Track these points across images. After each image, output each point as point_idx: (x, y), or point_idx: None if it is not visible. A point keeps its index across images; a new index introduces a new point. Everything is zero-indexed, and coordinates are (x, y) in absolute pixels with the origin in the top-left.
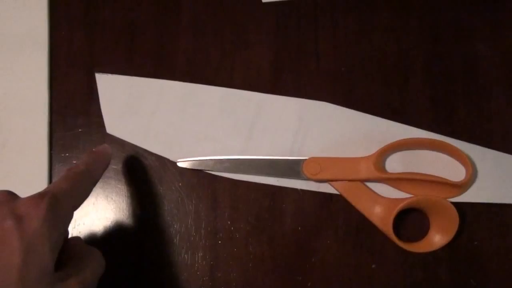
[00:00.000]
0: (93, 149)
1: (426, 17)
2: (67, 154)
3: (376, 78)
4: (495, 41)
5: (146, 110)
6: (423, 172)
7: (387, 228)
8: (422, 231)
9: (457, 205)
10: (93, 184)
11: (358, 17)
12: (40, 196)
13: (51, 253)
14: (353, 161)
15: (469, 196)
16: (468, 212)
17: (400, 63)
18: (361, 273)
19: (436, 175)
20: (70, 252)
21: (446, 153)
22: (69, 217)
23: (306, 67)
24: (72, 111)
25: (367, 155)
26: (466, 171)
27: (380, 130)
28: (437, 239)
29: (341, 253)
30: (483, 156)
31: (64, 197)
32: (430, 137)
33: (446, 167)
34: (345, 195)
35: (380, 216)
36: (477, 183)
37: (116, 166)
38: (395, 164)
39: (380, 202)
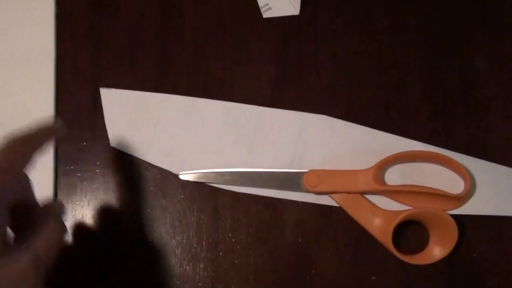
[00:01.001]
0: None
1: (424, 31)
2: (72, 167)
3: (375, 91)
4: (493, 54)
5: (149, 124)
6: (422, 184)
7: (387, 240)
8: (421, 243)
9: (456, 217)
10: (35, 149)
11: (357, 32)
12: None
13: None
14: (352, 174)
15: (468, 209)
16: (468, 225)
17: (398, 76)
18: (361, 285)
19: (435, 187)
20: (24, 216)
21: (445, 165)
22: (8, 187)
23: (306, 81)
24: (77, 125)
25: (366, 167)
26: (465, 183)
27: (379, 143)
28: (436, 251)
29: (341, 265)
30: (481, 169)
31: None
32: (428, 149)
33: (445, 180)
34: (344, 207)
35: (379, 228)
36: (476, 196)
37: (119, 178)
38: (394, 176)
39: (379, 214)
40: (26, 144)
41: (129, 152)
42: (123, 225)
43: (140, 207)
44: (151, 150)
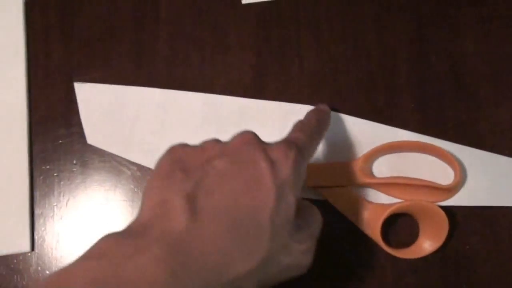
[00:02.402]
0: (316, 107)
1: (411, 15)
2: (47, 167)
3: (360, 79)
4: (482, 38)
5: (126, 119)
6: (412, 175)
7: (376, 234)
8: (412, 236)
9: (447, 208)
10: (321, 140)
11: (341, 17)
12: (288, 145)
13: (295, 202)
14: (339, 166)
15: (459, 200)
16: (459, 216)
17: (385, 63)
18: (350, 281)
19: (424, 178)
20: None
21: (434, 155)
22: (305, 171)
23: (289, 70)
24: (52, 122)
25: (353, 159)
26: (455, 174)
27: (366, 133)
28: (427, 244)
29: (329, 260)
30: (472, 158)
31: (305, 149)
32: (417, 138)
33: (434, 170)
34: (331, 201)
35: (368, 222)
36: (467, 186)
37: (98, 177)
38: (382, 168)
39: (368, 208)
40: (318, 133)
41: (107, 149)
42: (102, 226)
43: (120, 207)
44: (130, 146)
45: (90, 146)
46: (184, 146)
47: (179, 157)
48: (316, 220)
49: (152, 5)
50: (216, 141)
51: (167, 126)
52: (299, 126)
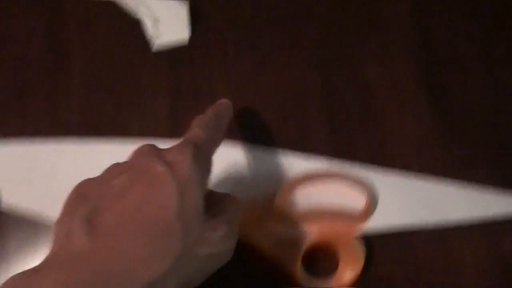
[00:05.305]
0: (216, 103)
1: (317, 47)
2: None
3: (273, 112)
4: (384, 64)
5: (44, 175)
6: (328, 204)
7: (296, 269)
8: (333, 266)
9: (364, 237)
10: (223, 132)
11: (250, 54)
12: (182, 144)
13: (201, 195)
14: (258, 208)
15: (373, 224)
16: (376, 244)
17: (296, 95)
18: None
19: (340, 206)
20: (209, 198)
21: (346, 182)
22: (210, 164)
23: (203, 110)
24: None
25: (271, 193)
26: (366, 198)
27: (281, 165)
28: (347, 273)
29: None
30: (382, 179)
31: (203, 144)
32: (330, 165)
33: (349, 196)
34: (251, 242)
35: (287, 258)
36: (379, 209)
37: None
38: (298, 201)
39: (285, 244)
40: (216, 126)
41: (24, 206)
42: None
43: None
44: (49, 202)
45: (5, 205)
46: (86, 180)
47: (82, 191)
48: (231, 205)
49: (63, 55)
50: (116, 164)
51: (86, 177)
52: (196, 122)
